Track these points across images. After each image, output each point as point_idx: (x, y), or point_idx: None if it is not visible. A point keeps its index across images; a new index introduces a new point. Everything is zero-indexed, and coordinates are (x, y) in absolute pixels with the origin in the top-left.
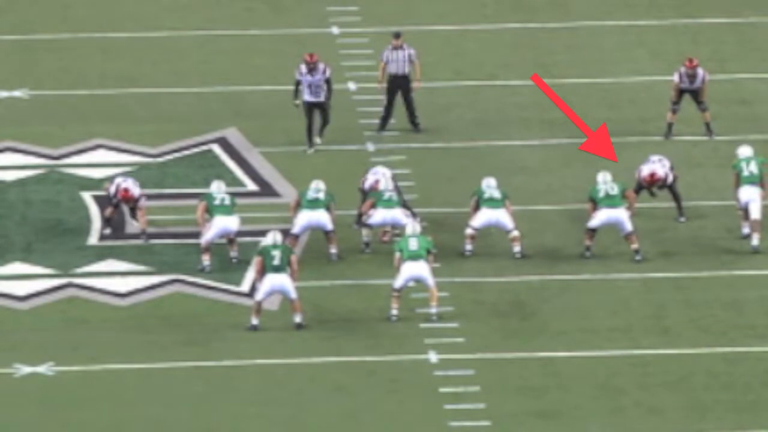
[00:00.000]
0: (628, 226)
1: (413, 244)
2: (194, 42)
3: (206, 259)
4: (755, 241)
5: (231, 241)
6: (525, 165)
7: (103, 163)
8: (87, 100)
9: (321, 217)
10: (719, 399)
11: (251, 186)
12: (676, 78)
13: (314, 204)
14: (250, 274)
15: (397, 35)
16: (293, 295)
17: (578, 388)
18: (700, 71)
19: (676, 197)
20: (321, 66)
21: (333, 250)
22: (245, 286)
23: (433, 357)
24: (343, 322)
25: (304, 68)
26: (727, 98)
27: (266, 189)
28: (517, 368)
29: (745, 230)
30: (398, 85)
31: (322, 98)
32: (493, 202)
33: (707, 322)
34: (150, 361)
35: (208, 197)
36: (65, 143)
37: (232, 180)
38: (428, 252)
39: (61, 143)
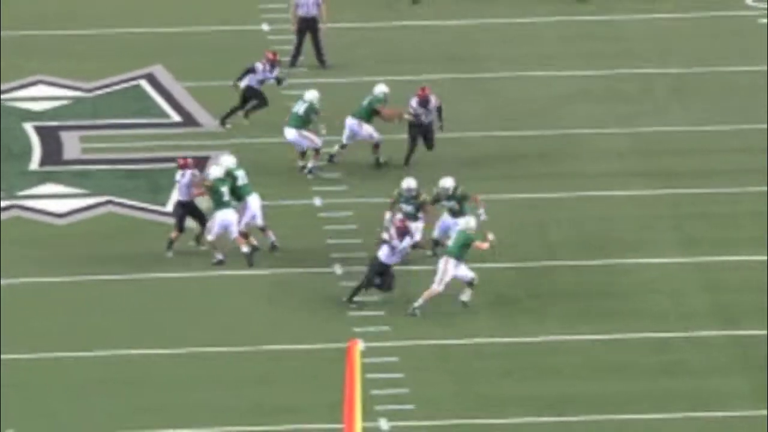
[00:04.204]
0: None
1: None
2: None
3: (219, 254)
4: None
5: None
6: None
7: (42, 96)
8: (29, 40)
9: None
10: (599, 307)
11: (175, 117)
12: None
13: (293, 120)
14: (175, 195)
15: None
16: (237, 230)
17: (475, 296)
18: None
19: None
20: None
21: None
22: (170, 207)
23: (338, 269)
24: (259, 240)
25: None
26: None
27: (189, 120)
28: (420, 277)
29: None
30: (307, 26)
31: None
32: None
33: (588, 238)
34: (88, 274)
35: (217, 184)
36: (8, 79)
37: (158, 112)
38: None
39: (5, 79)
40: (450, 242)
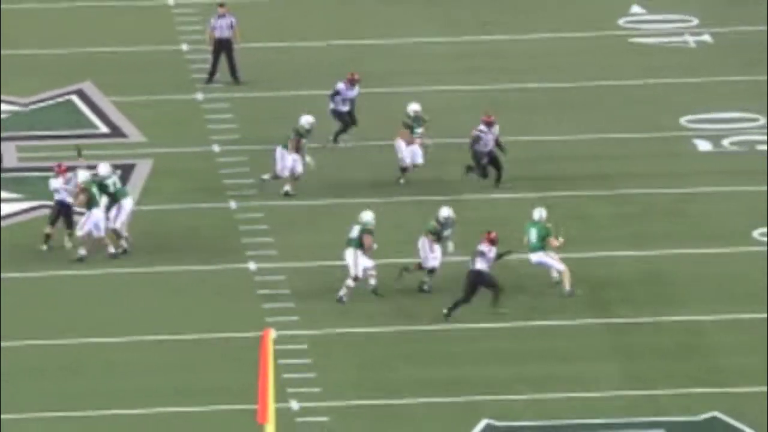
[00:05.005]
0: None
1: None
2: (55, 12)
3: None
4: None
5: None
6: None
7: None
8: None
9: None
10: (487, 298)
11: (103, 129)
12: None
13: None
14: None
15: (221, 5)
16: (103, 232)
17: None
18: None
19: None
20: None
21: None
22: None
23: (252, 266)
24: (181, 240)
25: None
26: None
27: (116, 131)
28: (322, 273)
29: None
30: (222, 46)
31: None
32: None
33: (476, 238)
34: (24, 272)
35: (89, 185)
36: None
37: (88, 124)
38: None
39: None
40: (531, 239)
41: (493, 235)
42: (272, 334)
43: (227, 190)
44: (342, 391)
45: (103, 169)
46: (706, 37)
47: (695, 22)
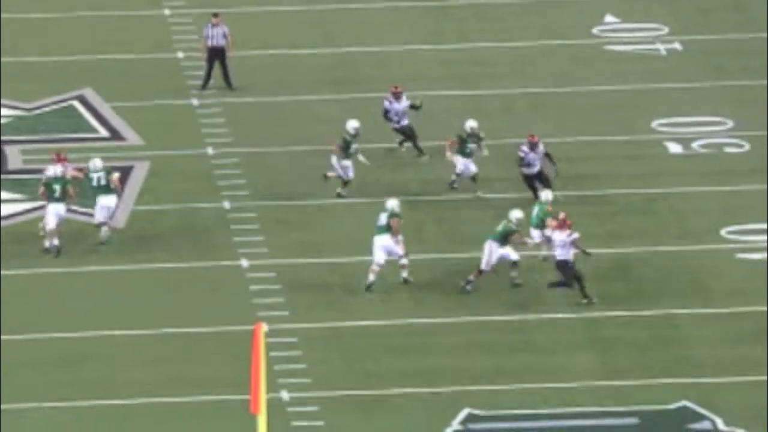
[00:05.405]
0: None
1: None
2: (57, 21)
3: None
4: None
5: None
6: (316, 114)
7: None
8: None
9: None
10: (468, 294)
11: (103, 133)
12: None
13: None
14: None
15: (215, 15)
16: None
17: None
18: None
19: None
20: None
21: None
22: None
23: (244, 263)
24: (176, 238)
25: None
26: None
27: (115, 135)
28: (311, 270)
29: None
30: (216, 54)
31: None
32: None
33: (459, 235)
34: (26, 268)
35: (50, 182)
36: None
37: (88, 128)
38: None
39: None
40: (532, 214)
41: (562, 222)
42: (264, 327)
43: (221, 191)
44: (330, 382)
45: (93, 164)
46: (676, 45)
47: (666, 30)
